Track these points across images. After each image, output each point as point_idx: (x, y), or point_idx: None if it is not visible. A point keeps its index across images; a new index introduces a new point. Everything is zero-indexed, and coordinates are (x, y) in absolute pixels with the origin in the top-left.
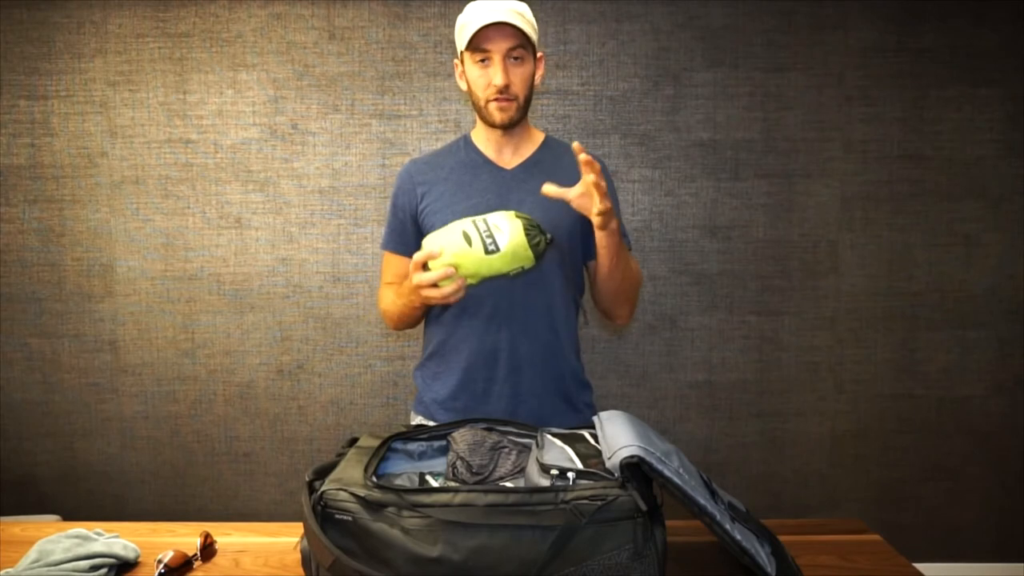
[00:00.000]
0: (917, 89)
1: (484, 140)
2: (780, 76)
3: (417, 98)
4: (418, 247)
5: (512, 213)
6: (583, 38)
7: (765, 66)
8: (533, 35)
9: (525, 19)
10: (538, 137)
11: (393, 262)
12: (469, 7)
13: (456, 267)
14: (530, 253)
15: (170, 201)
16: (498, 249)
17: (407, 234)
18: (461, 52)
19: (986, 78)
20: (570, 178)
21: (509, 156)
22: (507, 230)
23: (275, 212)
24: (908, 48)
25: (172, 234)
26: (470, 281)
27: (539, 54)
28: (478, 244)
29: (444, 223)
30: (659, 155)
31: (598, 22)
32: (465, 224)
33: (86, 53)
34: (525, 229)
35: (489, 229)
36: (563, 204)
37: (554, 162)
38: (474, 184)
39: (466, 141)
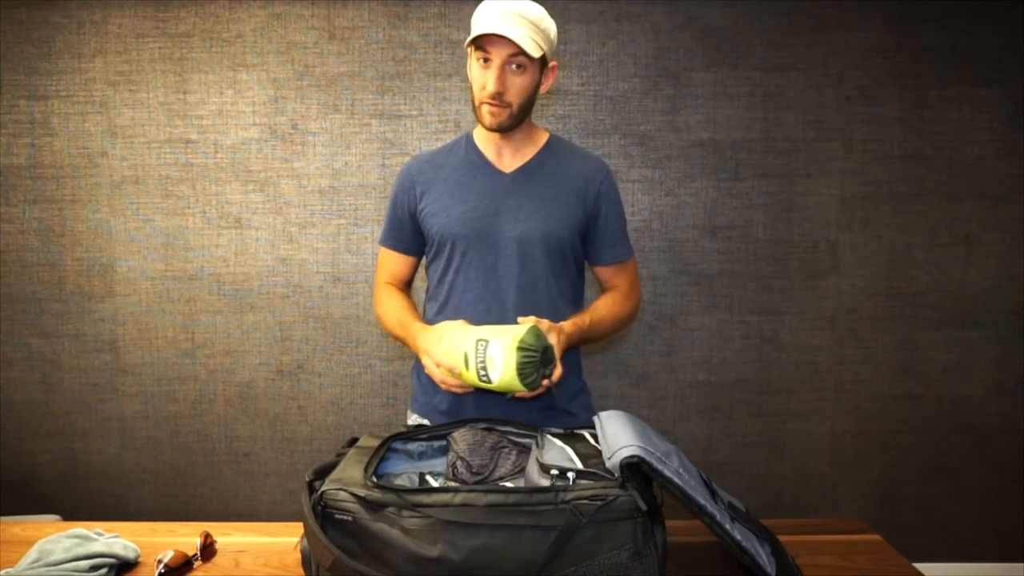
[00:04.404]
0: (917, 89)
1: (485, 140)
2: (780, 76)
3: (417, 98)
4: (417, 245)
5: (515, 343)
6: (583, 38)
7: (765, 66)
8: (540, 47)
9: (537, 29)
10: (541, 138)
11: (391, 259)
12: (486, 2)
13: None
14: (522, 387)
15: (170, 201)
16: (490, 381)
17: (405, 232)
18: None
19: (986, 78)
20: (570, 183)
21: (509, 158)
22: (500, 365)
23: (275, 212)
24: (908, 48)
25: (172, 234)
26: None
27: (551, 63)
28: (473, 369)
29: (441, 225)
30: (659, 155)
31: (598, 22)
32: (468, 344)
33: (86, 53)
34: (519, 367)
35: (485, 360)
36: (560, 211)
37: (555, 166)
38: (472, 187)
39: (468, 140)
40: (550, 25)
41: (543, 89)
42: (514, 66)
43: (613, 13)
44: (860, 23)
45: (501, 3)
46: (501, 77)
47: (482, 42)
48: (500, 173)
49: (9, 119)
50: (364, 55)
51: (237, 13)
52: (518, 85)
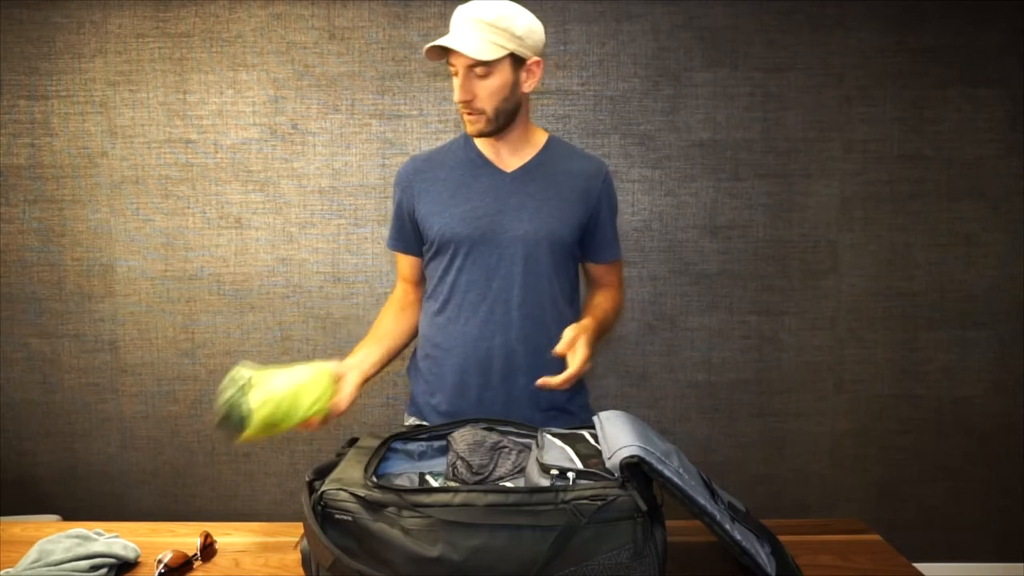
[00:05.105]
0: (917, 89)
1: (483, 140)
2: (780, 76)
3: (417, 98)
4: (419, 245)
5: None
6: (583, 38)
7: (765, 66)
8: (501, 47)
9: (495, 29)
10: (540, 139)
11: (401, 261)
12: (456, 11)
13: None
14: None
15: (170, 201)
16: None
17: (406, 232)
18: None
19: (986, 78)
20: (572, 182)
21: (508, 158)
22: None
23: (275, 212)
24: (908, 48)
25: (172, 234)
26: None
27: (533, 59)
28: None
29: (442, 225)
30: (659, 155)
31: (598, 22)
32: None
33: (86, 53)
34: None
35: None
36: (563, 210)
37: (556, 165)
38: (473, 186)
39: (467, 139)
40: (514, 23)
41: (527, 87)
42: (477, 72)
43: (613, 13)
44: (860, 23)
45: (462, 10)
46: (465, 85)
47: (445, 54)
48: (501, 172)
49: (9, 119)
50: (364, 55)
51: (237, 13)
52: (487, 89)
